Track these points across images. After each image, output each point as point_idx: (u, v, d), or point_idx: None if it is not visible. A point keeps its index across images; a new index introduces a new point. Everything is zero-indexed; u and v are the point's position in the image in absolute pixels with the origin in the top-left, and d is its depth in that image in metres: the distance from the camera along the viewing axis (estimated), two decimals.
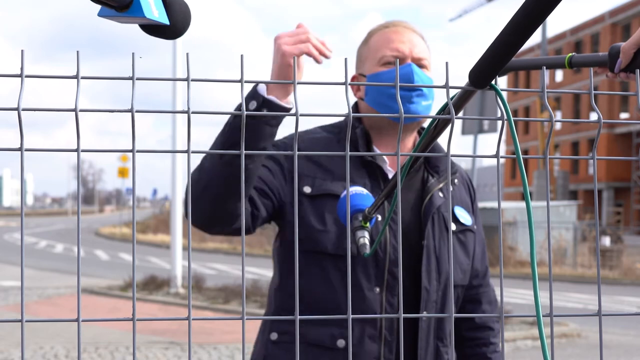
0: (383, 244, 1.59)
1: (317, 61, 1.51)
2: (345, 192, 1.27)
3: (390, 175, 1.67)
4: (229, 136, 1.47)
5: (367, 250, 1.20)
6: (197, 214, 1.50)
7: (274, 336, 1.63)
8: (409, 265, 1.61)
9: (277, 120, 1.47)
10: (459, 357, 1.76)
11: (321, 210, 1.60)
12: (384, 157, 1.68)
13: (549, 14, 0.61)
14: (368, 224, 1.23)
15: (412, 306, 1.61)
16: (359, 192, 1.25)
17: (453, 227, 1.69)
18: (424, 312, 1.58)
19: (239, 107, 1.38)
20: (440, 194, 1.68)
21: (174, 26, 0.73)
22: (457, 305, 1.74)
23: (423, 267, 1.60)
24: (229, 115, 1.49)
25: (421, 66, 1.67)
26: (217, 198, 1.47)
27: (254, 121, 1.45)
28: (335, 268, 1.59)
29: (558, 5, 0.60)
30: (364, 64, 1.71)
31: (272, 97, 1.46)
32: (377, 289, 1.58)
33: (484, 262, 1.79)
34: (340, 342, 1.56)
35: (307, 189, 1.61)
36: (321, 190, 1.61)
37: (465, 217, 1.71)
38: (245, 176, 1.33)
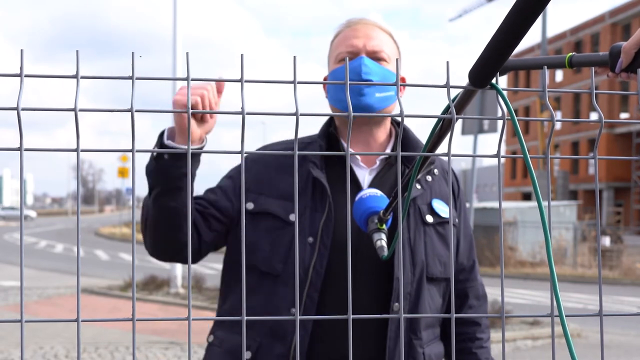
0: (306, 266, 1.59)
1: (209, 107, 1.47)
2: (360, 195, 1.26)
3: (360, 174, 1.69)
4: (155, 183, 1.56)
5: (385, 252, 1.20)
6: (147, 247, 1.67)
7: (210, 338, 1.72)
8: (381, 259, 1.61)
9: (181, 163, 1.51)
10: (447, 351, 1.76)
11: (258, 227, 1.64)
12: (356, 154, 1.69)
13: (540, 11, 0.61)
14: (384, 226, 1.22)
15: (384, 298, 1.60)
16: (372, 194, 1.25)
17: (430, 219, 1.67)
18: (396, 303, 1.58)
19: (160, 145, 1.50)
20: (418, 186, 1.67)
21: None
22: (444, 300, 1.72)
23: (395, 258, 1.59)
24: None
25: (379, 59, 1.67)
26: (157, 234, 1.61)
27: (160, 166, 1.52)
28: (263, 285, 1.63)
29: (550, 3, 0.60)
30: (328, 65, 1.76)
31: (170, 142, 1.51)
32: (294, 310, 1.59)
33: (470, 257, 1.79)
34: (247, 354, 1.61)
35: (250, 205, 1.66)
36: (260, 208, 1.65)
37: (443, 209, 1.69)
38: (169, 215, 1.53)
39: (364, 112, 1.65)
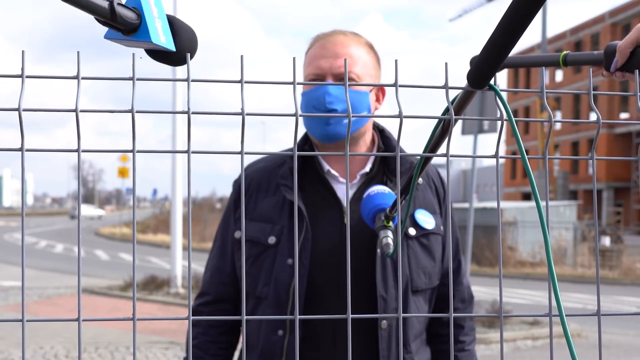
0: (287, 288, 1.60)
1: None
2: (368, 192, 1.26)
3: (340, 190, 1.67)
4: None
5: (390, 250, 1.19)
6: None
7: None
8: (365, 273, 1.59)
9: None
10: (432, 354, 1.75)
11: (247, 254, 1.66)
12: (335, 172, 1.69)
13: (537, 11, 0.61)
14: (391, 223, 1.22)
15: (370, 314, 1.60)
16: (380, 191, 1.24)
17: (413, 232, 1.64)
18: (384, 321, 1.58)
19: None
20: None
21: (180, 53, 0.74)
22: (430, 306, 1.70)
23: (378, 276, 1.58)
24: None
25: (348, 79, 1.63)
26: None
27: None
28: (258, 308, 1.65)
29: (550, 4, 0.60)
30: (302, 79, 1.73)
31: None
32: (280, 332, 1.60)
33: (456, 258, 1.77)
34: None
35: (237, 234, 1.69)
36: (246, 237, 1.65)
37: (427, 220, 1.67)
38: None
39: (332, 140, 1.64)
